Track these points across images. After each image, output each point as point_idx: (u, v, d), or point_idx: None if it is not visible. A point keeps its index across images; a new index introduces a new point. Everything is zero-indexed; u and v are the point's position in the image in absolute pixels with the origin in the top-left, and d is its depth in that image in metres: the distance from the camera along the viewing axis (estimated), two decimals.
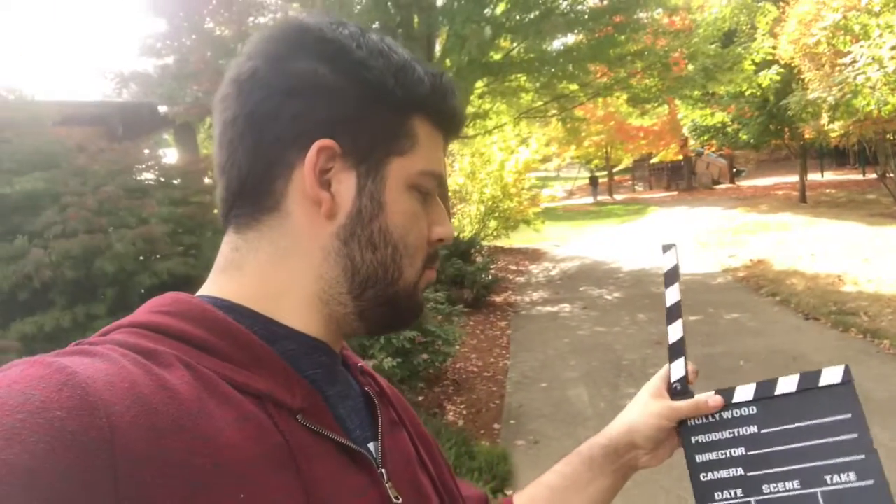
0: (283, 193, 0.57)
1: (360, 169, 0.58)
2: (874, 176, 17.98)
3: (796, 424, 0.72)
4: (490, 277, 9.00)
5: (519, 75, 11.75)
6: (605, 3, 10.45)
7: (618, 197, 30.86)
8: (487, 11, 9.37)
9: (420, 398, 5.32)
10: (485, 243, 12.44)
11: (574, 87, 12.23)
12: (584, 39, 11.07)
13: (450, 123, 0.64)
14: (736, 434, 0.75)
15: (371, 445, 0.60)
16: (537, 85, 12.35)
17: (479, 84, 11.27)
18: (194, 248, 5.05)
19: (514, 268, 12.22)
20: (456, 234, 11.06)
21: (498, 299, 9.27)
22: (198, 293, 0.59)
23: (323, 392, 0.57)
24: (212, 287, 0.59)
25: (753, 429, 0.74)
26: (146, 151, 5.51)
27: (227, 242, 0.61)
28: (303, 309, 0.58)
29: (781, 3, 15.76)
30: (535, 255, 13.95)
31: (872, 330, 6.18)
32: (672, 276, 0.86)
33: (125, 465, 0.39)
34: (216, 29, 8.88)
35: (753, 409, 0.75)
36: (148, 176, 5.48)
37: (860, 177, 23.35)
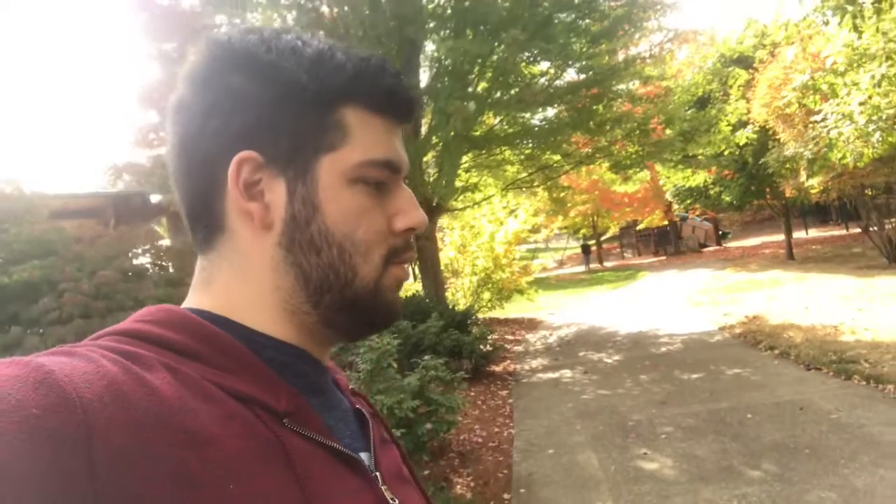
0: (223, 212, 0.57)
1: (287, 174, 0.56)
2: (858, 230, 18.30)
3: None
4: (488, 347, 8.94)
5: (503, 148, 12.08)
6: (582, 77, 10.88)
7: (608, 264, 31.06)
8: (470, 90, 9.74)
9: (426, 472, 5.18)
10: (480, 315, 12.41)
11: (557, 157, 12.57)
12: (564, 112, 11.46)
13: (388, 104, 0.59)
14: None
15: (363, 455, 0.59)
16: (521, 157, 12.70)
17: (466, 158, 11.57)
18: None
19: (511, 337, 12.14)
20: (450, 306, 11.10)
21: (497, 369, 9.17)
22: (181, 306, 0.60)
23: (307, 400, 0.56)
24: (189, 302, 0.59)
25: None
26: (141, 236, 5.57)
27: (198, 265, 0.61)
28: (276, 319, 0.58)
29: (751, 70, 16.47)
30: (531, 324, 13.89)
31: (875, 376, 6.15)
32: None
33: (103, 461, 0.38)
34: None
35: None
36: (143, 260, 5.52)
37: (844, 232, 23.76)
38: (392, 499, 0.57)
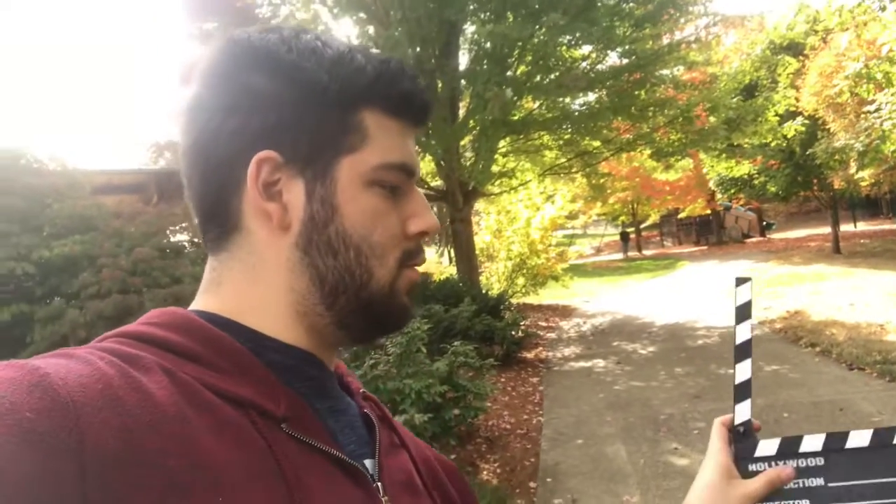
0: (240, 212, 0.57)
1: (306, 174, 0.56)
2: None
3: (866, 481, 0.69)
4: (520, 333, 8.89)
5: (542, 133, 11.93)
6: (625, 62, 10.65)
7: (647, 252, 30.62)
8: (509, 74, 9.61)
9: (452, 456, 5.19)
10: (513, 300, 12.35)
11: (597, 143, 12.37)
12: (605, 97, 11.25)
13: (406, 108, 0.60)
14: (801, 485, 0.71)
15: (367, 462, 0.59)
16: (560, 142, 12.52)
17: (503, 143, 11.46)
18: None
19: (543, 324, 12.07)
20: (484, 290, 11.06)
21: (529, 355, 9.12)
22: (189, 308, 0.59)
23: (312, 405, 0.56)
24: (197, 304, 0.59)
25: (820, 481, 0.70)
26: (180, 214, 5.66)
27: (207, 265, 0.61)
28: (285, 321, 0.57)
29: (801, 57, 15.91)
30: (565, 311, 13.78)
31: None
32: (743, 311, 0.81)
33: (95, 466, 0.38)
34: None
35: (821, 461, 0.71)
36: (182, 237, 5.62)
37: (894, 226, 22.89)
38: None
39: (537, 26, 8.51)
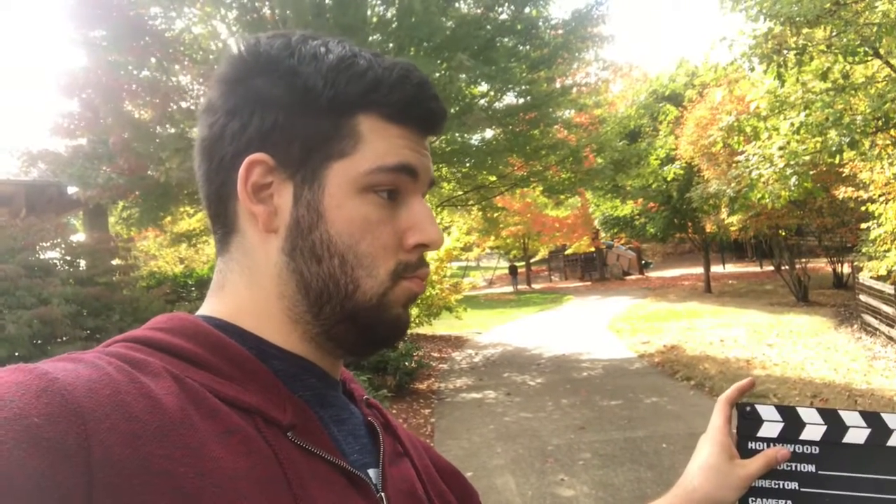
0: (236, 213, 0.58)
1: (296, 179, 0.56)
2: (771, 268, 19.29)
3: (856, 475, 0.73)
4: (413, 364, 8.84)
5: (441, 165, 12.11)
6: (521, 101, 11.06)
7: (535, 286, 31.58)
8: None
9: None
10: (407, 330, 12.30)
11: (493, 178, 12.70)
12: (502, 134, 11.61)
13: (408, 113, 0.58)
14: (793, 468, 0.75)
15: (371, 472, 0.58)
16: (458, 175, 12.76)
17: None
18: (99, 333, 4.73)
19: (436, 355, 12.09)
20: None
21: (421, 386, 9.08)
22: (196, 314, 0.59)
23: (316, 413, 0.55)
24: (204, 308, 0.59)
25: (811, 468, 0.74)
26: (52, 229, 5.22)
27: (216, 267, 0.61)
28: (282, 328, 0.57)
29: (680, 108, 17.20)
30: (457, 343, 13.89)
31: None
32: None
33: (102, 473, 0.38)
34: (135, 112, 8.72)
35: (816, 450, 0.75)
36: (52, 255, 5.17)
37: (758, 269, 24.98)
38: None
39: (440, 61, 8.67)
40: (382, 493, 0.57)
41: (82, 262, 5.70)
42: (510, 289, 29.97)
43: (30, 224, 5.19)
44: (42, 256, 5.26)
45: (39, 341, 4.32)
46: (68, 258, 5.46)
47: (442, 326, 14.94)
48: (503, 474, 5.42)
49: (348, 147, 0.55)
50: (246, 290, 0.57)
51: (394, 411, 7.31)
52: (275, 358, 0.55)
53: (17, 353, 3.97)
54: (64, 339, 4.50)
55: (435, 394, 8.74)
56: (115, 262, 5.54)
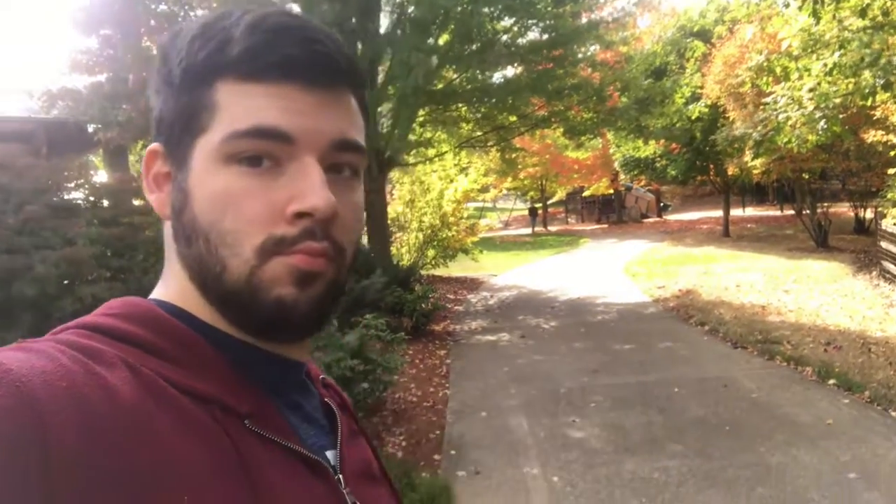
0: None
1: (174, 162, 0.55)
2: (791, 212, 19.03)
3: None
4: (429, 306, 8.96)
5: (461, 104, 11.93)
6: (545, 37, 10.77)
7: (552, 228, 31.48)
8: (431, 41, 9.50)
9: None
10: (423, 272, 12.41)
11: (513, 118, 12.51)
12: (524, 72, 11.36)
13: (269, 65, 0.51)
14: None
15: (329, 454, 0.58)
16: (478, 115, 12.58)
17: (421, 112, 11.37)
18: (123, 273, 4.82)
19: (452, 297, 12.22)
20: (395, 262, 11.03)
21: (437, 328, 9.23)
22: (149, 297, 0.58)
23: (271, 399, 0.55)
24: (157, 291, 0.59)
25: None
26: (75, 169, 5.26)
27: None
28: (215, 313, 0.55)
29: (709, 45, 16.66)
30: (473, 285, 14.01)
31: (796, 358, 6.46)
32: None
33: (58, 465, 0.38)
34: (154, 49, 8.64)
35: None
36: (76, 195, 5.23)
37: (778, 213, 24.64)
38: (353, 503, 0.56)
39: None
40: (340, 476, 0.57)
41: (105, 203, 5.75)
42: (526, 230, 29.91)
43: (54, 164, 5.23)
44: (66, 197, 5.32)
45: (66, 281, 4.42)
46: (91, 199, 5.52)
47: (457, 268, 15.04)
48: (517, 415, 5.56)
49: (206, 120, 0.52)
50: (179, 275, 0.56)
51: (410, 353, 7.47)
52: (226, 344, 0.54)
53: (47, 292, 4.07)
54: (90, 278, 4.59)
55: (450, 335, 8.89)
56: (137, 202, 5.60)
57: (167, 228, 0.57)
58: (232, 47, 0.51)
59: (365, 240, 12.49)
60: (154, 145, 0.56)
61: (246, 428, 0.50)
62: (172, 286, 0.57)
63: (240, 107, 0.51)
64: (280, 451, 0.51)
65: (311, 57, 0.52)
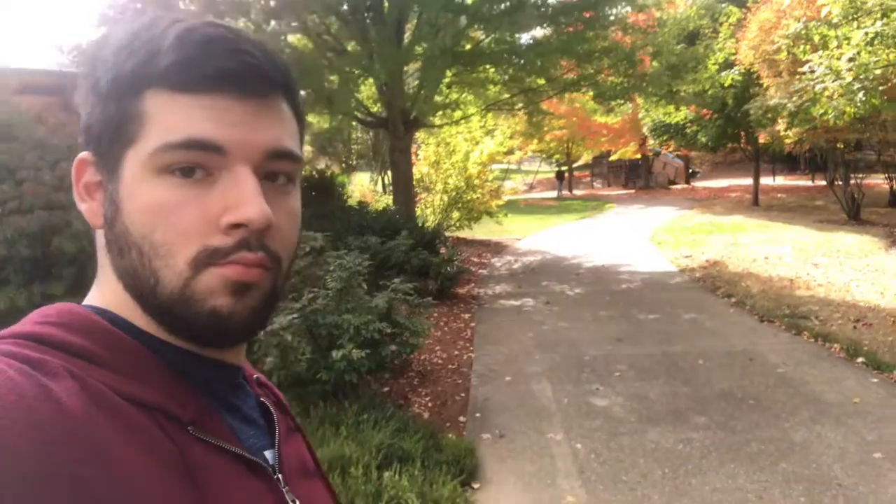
0: None
1: (104, 172, 0.55)
2: (823, 183, 18.61)
3: None
4: (454, 269, 8.99)
5: (487, 67, 11.75)
6: None
7: (577, 192, 31.21)
8: (459, 0, 9.32)
9: (385, 389, 5.29)
10: (447, 234, 12.42)
11: (541, 81, 12.30)
12: (554, 34, 11.12)
13: (196, 76, 0.51)
14: None
15: (268, 454, 0.60)
16: (505, 77, 12.38)
17: (448, 73, 11.23)
18: None
19: (476, 260, 12.23)
20: (419, 223, 11.03)
21: (462, 291, 9.27)
22: (83, 303, 0.58)
23: (211, 404, 0.56)
24: (91, 297, 0.58)
25: None
26: None
27: None
28: (151, 321, 0.55)
29: (744, 10, 16.14)
30: (497, 248, 13.99)
31: (823, 334, 6.40)
32: None
33: (12, 483, 0.38)
34: (181, 3, 8.59)
35: None
36: None
37: (809, 183, 24.14)
38: (293, 500, 0.58)
39: None
40: (279, 475, 0.59)
41: None
42: (551, 194, 29.69)
43: None
44: None
45: None
46: None
47: (482, 231, 15.02)
48: (540, 381, 5.61)
49: (135, 130, 0.52)
50: (113, 281, 0.56)
51: (435, 315, 7.52)
52: (165, 351, 0.54)
53: (86, 248, 4.14)
54: None
55: (475, 299, 8.92)
56: None
57: (99, 237, 0.57)
58: (161, 59, 0.51)
59: (390, 200, 12.50)
60: (84, 154, 0.56)
61: (190, 434, 0.51)
62: (108, 293, 0.56)
63: (171, 118, 0.51)
64: (223, 455, 0.53)
65: (241, 68, 0.52)
